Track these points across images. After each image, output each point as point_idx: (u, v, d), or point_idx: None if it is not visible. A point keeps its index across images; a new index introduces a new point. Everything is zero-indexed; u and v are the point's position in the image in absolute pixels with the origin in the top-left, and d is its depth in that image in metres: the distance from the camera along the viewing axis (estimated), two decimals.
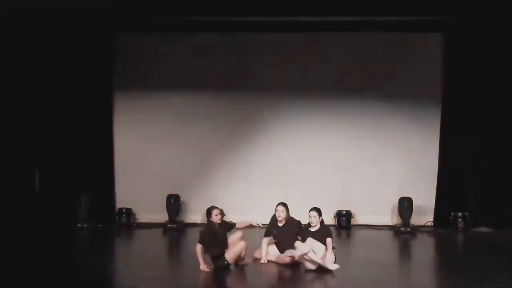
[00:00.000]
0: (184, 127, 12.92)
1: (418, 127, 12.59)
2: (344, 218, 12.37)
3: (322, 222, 8.49)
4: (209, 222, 8.37)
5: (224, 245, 8.33)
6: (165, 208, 12.48)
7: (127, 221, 12.55)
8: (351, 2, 10.13)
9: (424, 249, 10.83)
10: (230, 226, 8.58)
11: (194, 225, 12.61)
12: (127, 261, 9.40)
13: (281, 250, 8.69)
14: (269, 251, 8.76)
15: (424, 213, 12.39)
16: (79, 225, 12.16)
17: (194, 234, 11.97)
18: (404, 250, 11.10)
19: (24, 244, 10.42)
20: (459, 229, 11.97)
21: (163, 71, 12.91)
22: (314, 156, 12.64)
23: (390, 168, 12.59)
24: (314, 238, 8.27)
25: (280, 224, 8.73)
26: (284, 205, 8.75)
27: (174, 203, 12.47)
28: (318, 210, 8.48)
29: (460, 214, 12.06)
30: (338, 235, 11.72)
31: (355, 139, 12.66)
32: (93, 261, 9.37)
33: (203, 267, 8.18)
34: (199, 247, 8.25)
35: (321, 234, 8.32)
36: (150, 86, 12.96)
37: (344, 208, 12.49)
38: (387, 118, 12.64)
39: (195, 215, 12.74)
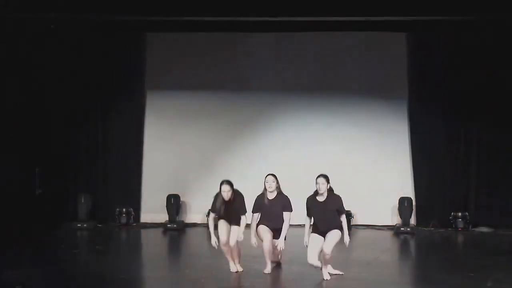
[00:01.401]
0: (184, 127, 12.92)
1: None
2: None
3: (330, 190, 8.07)
4: (219, 194, 8.13)
5: (234, 219, 8.08)
6: (165, 208, 12.49)
7: (127, 221, 12.55)
8: (332, 3, 10.16)
9: (424, 249, 10.82)
10: (239, 201, 8.11)
11: (194, 225, 12.62)
12: (127, 261, 9.40)
13: (269, 226, 8.27)
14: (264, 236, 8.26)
15: (424, 213, 12.39)
16: (79, 225, 12.18)
17: (194, 234, 12.06)
18: (404, 250, 11.10)
19: (24, 243, 10.42)
20: (459, 229, 11.98)
21: (163, 71, 12.92)
22: (314, 156, 12.63)
23: (390, 168, 12.59)
24: (323, 208, 7.94)
25: (270, 197, 8.35)
26: (274, 175, 8.42)
27: (174, 203, 12.48)
28: (326, 177, 8.00)
29: (460, 214, 12.08)
30: None
31: (354, 139, 12.65)
32: (93, 261, 9.38)
33: (213, 241, 8.07)
34: (211, 217, 8.18)
35: (331, 204, 7.98)
36: (149, 87, 12.99)
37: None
38: (387, 119, 12.66)
39: (195, 215, 12.75)
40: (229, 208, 8.12)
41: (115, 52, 12.73)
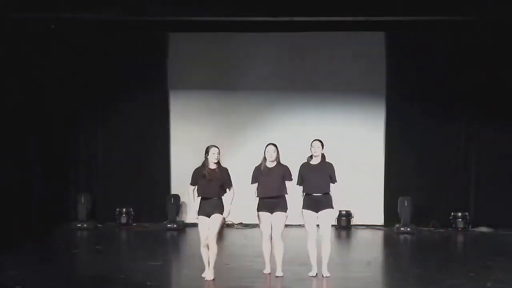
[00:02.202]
0: (183, 126, 12.92)
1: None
2: (344, 218, 12.36)
3: (323, 156, 8.19)
4: (204, 161, 8.13)
5: (215, 191, 8.00)
6: (165, 208, 12.50)
7: (127, 221, 12.55)
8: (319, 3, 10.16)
9: (424, 249, 10.82)
10: (224, 173, 8.12)
11: (194, 225, 12.61)
12: (126, 261, 9.40)
13: (266, 193, 8.15)
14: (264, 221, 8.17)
15: (424, 213, 12.39)
16: (79, 225, 12.18)
17: (194, 234, 12.04)
18: (404, 250, 11.10)
19: (24, 243, 10.43)
20: (459, 229, 11.99)
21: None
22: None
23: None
24: (316, 171, 8.07)
25: (269, 166, 8.18)
26: (275, 145, 8.30)
27: (174, 203, 12.48)
28: (321, 141, 8.18)
29: (460, 214, 12.08)
30: (338, 235, 11.74)
31: (354, 139, 12.66)
32: (93, 261, 9.38)
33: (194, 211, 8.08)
34: (191, 189, 8.15)
35: (324, 168, 8.11)
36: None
37: (344, 208, 12.49)
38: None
39: (195, 215, 12.71)
40: (209, 182, 7.99)
41: (115, 52, 12.74)
